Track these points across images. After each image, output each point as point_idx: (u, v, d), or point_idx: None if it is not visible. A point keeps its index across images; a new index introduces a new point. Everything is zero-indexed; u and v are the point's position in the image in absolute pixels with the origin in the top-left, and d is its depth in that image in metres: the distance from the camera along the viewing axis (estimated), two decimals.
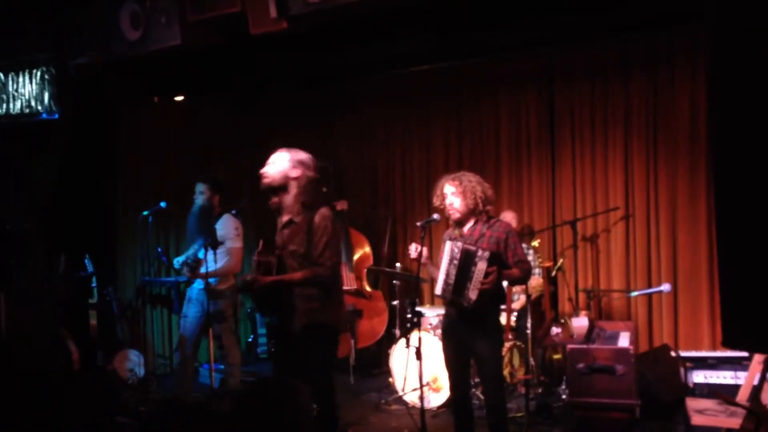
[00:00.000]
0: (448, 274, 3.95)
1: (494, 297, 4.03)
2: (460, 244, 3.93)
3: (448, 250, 3.98)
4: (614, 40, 6.05)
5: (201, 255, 5.09)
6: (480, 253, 3.84)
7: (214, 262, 4.94)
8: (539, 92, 6.54)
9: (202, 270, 4.98)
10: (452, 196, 4.01)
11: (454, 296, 3.97)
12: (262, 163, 3.92)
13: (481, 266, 3.83)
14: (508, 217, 5.92)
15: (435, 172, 6.99)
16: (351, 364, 6.27)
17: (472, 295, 3.85)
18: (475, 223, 4.05)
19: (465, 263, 3.88)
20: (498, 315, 4.21)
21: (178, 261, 5.48)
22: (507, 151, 6.74)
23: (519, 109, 6.67)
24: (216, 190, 5.41)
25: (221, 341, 5.31)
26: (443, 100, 7.08)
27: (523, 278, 4.17)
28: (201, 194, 5.37)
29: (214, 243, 4.90)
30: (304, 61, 6.22)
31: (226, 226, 5.29)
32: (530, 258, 5.86)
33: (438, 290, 4.05)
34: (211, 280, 5.05)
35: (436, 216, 4.16)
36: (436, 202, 4.10)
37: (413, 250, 4.02)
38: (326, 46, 5.69)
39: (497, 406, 4.07)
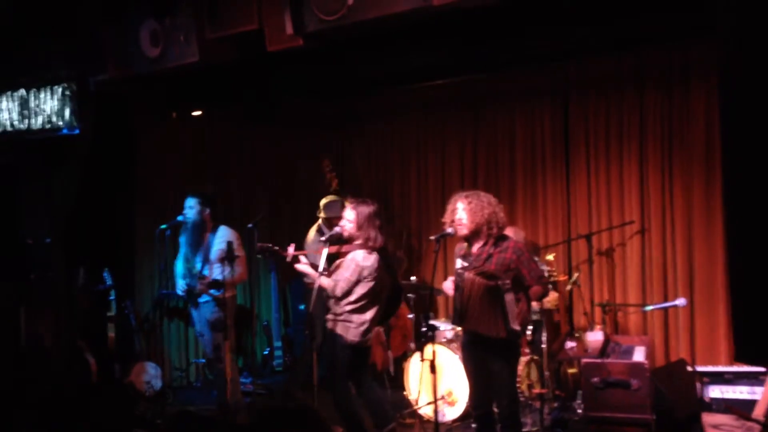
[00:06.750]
0: (461, 304, 3.99)
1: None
2: (477, 281, 3.91)
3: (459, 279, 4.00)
4: (628, 53, 6.05)
5: (199, 269, 5.21)
6: (503, 284, 3.85)
7: (229, 274, 5.06)
8: (554, 106, 6.55)
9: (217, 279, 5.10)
10: (462, 211, 4.07)
11: (471, 328, 4.05)
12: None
13: (509, 297, 3.86)
14: (509, 233, 5.88)
15: (450, 185, 7.01)
16: (391, 375, 6.20)
17: (515, 326, 3.89)
18: (484, 244, 4.08)
19: (493, 297, 3.88)
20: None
21: (181, 282, 5.54)
22: (522, 164, 6.75)
23: (533, 122, 6.68)
24: (207, 204, 5.46)
25: (219, 353, 5.26)
26: (458, 114, 7.10)
27: (545, 293, 4.28)
28: (191, 209, 5.41)
29: (230, 257, 4.98)
30: (319, 76, 6.29)
31: (231, 237, 5.33)
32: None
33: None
34: (215, 291, 5.14)
35: (450, 230, 4.16)
36: (445, 217, 4.16)
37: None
38: (341, 61, 5.76)
39: (511, 421, 4.08)
